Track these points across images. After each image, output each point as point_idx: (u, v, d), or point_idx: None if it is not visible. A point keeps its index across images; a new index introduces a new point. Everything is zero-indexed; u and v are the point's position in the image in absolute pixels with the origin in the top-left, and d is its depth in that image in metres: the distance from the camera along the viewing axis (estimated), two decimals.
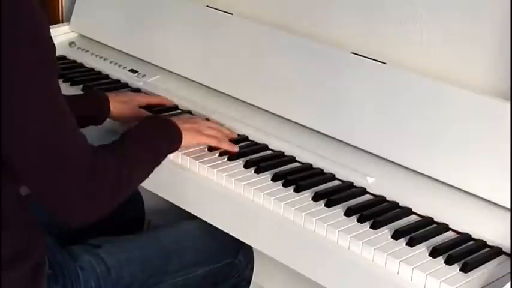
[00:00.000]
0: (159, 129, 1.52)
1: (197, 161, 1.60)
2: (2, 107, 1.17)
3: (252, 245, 1.64)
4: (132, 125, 1.52)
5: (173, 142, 1.55)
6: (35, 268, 1.37)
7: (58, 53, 2.19)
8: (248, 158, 1.64)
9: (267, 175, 1.57)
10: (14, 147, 1.21)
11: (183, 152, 1.63)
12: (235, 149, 1.65)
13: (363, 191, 1.55)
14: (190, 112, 1.86)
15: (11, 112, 1.19)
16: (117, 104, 1.76)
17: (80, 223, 1.31)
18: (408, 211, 1.49)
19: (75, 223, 1.30)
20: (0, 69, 1.15)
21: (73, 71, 2.12)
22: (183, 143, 1.57)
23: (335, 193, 1.52)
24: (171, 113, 1.84)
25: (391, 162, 1.57)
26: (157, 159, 1.47)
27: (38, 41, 1.20)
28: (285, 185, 1.54)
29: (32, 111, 1.20)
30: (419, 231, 1.41)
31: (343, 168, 1.61)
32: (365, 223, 1.42)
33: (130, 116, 1.76)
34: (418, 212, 1.49)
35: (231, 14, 1.93)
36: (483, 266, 1.33)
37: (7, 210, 1.30)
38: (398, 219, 1.45)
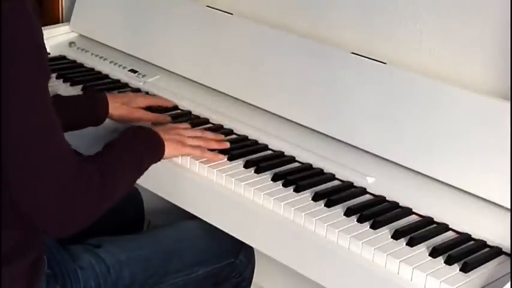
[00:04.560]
0: (142, 141, 1.49)
1: (197, 161, 1.60)
2: None
3: (251, 245, 1.64)
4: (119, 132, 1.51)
5: (155, 154, 1.53)
6: (33, 266, 1.37)
7: (58, 53, 2.21)
8: (248, 158, 1.63)
9: (267, 175, 1.57)
10: (2, 150, 1.20)
11: None
12: (219, 157, 1.62)
13: (363, 191, 1.55)
14: (190, 112, 1.86)
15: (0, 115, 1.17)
16: (116, 105, 1.76)
17: (58, 235, 1.30)
18: (408, 211, 1.49)
19: (53, 235, 1.28)
20: None
21: (73, 71, 2.12)
22: (165, 155, 1.54)
23: (335, 193, 1.52)
24: (168, 113, 1.84)
25: (391, 162, 1.57)
26: (139, 171, 1.46)
27: (31, 44, 1.19)
28: (285, 185, 1.54)
29: (21, 115, 1.19)
30: (419, 231, 1.41)
31: (343, 168, 1.61)
32: (365, 223, 1.42)
33: (129, 117, 1.76)
34: (418, 212, 1.49)
35: (231, 14, 1.93)
36: (483, 266, 1.33)
37: (4, 208, 1.29)
38: (398, 219, 1.45)
